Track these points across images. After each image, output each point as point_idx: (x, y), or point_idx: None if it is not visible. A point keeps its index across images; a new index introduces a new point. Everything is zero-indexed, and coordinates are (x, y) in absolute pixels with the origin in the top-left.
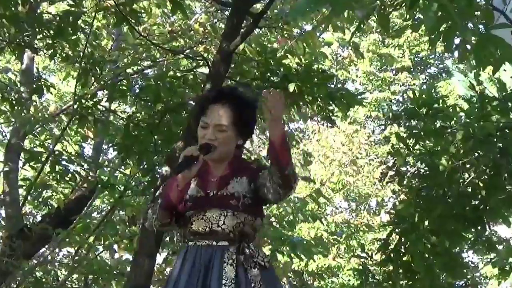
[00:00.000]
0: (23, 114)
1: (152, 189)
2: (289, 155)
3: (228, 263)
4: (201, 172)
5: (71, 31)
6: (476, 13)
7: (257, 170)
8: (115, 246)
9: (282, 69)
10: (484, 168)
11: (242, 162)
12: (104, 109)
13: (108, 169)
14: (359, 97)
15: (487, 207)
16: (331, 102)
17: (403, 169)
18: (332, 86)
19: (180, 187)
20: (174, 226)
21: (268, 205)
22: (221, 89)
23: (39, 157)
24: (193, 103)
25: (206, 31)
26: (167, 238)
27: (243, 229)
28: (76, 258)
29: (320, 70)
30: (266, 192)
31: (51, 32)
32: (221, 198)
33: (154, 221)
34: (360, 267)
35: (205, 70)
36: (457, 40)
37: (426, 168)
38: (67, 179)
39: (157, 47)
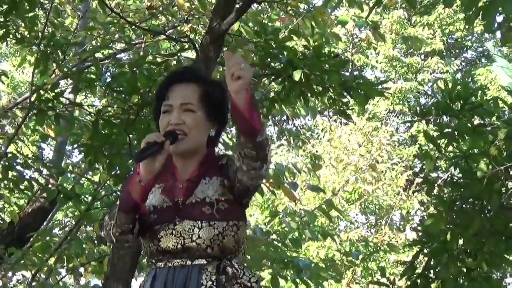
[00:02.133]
0: None
1: None
2: (260, 117)
3: (207, 286)
4: (167, 177)
5: (27, 7)
6: None
7: (226, 164)
8: (81, 269)
9: (285, 53)
10: None
11: (213, 159)
12: (67, 102)
13: (73, 175)
14: (379, 87)
15: None
16: (345, 93)
17: (433, 175)
18: (347, 73)
19: (143, 181)
20: (135, 238)
21: (248, 201)
22: (182, 68)
23: None
24: None
25: (193, 6)
26: (145, 260)
27: (223, 242)
28: (34, 283)
29: (333, 55)
30: (241, 176)
31: (3, 7)
32: (191, 206)
33: (112, 228)
34: None
35: (192, 54)
36: (499, 18)
37: (461, 175)
38: (22, 187)
39: (133, 26)
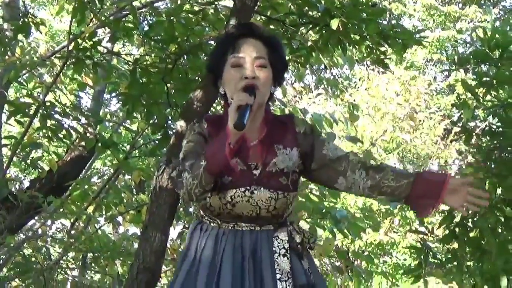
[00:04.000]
0: (6, 57)
1: (164, 149)
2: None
3: (281, 254)
4: None
5: None
6: None
7: (309, 138)
8: (120, 218)
9: (323, 2)
10: None
11: (276, 120)
12: (105, 51)
13: (111, 124)
14: (417, 35)
15: None
16: (383, 42)
17: (471, 124)
18: (385, 22)
19: (233, 144)
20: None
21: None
22: (249, 23)
23: (27, 110)
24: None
25: None
26: (181, 209)
27: (288, 209)
28: (72, 232)
29: (370, 3)
30: (349, 184)
31: None
32: (270, 176)
33: (195, 188)
34: (418, 244)
35: (229, 3)
36: None
37: (499, 124)
38: (61, 136)
39: None
